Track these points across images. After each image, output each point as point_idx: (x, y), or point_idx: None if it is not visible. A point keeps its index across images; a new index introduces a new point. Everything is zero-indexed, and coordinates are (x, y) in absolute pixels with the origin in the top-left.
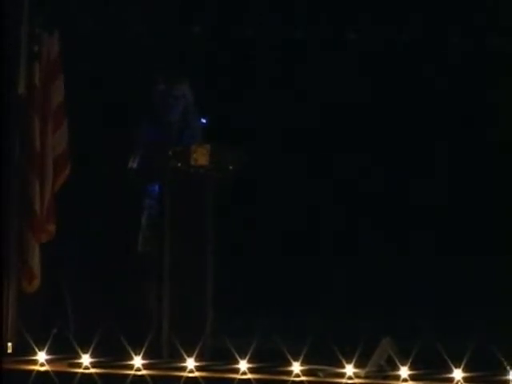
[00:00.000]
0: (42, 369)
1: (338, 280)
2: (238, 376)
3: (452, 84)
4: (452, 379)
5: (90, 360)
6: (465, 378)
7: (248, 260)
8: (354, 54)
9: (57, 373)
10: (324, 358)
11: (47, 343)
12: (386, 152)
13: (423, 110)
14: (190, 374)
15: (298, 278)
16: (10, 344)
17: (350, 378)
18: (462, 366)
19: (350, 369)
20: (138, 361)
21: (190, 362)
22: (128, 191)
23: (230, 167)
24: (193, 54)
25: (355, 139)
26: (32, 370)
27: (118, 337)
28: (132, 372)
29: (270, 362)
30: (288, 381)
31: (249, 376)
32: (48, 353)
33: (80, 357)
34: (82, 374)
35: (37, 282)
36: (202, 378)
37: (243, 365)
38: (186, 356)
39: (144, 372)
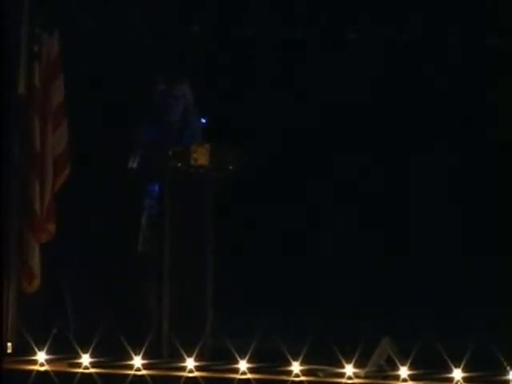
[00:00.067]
0: (42, 369)
1: (338, 280)
2: (238, 376)
3: (452, 84)
4: (452, 379)
5: (90, 360)
6: (464, 378)
7: (248, 260)
8: (354, 54)
9: (57, 373)
10: (324, 358)
11: (47, 343)
12: (386, 152)
13: (423, 109)
14: (190, 374)
15: (298, 278)
16: (9, 344)
17: (349, 377)
18: (461, 366)
19: (349, 369)
20: (137, 361)
21: (190, 362)
22: (128, 191)
23: (230, 167)
24: (193, 53)
25: (355, 139)
26: (32, 370)
27: (117, 337)
28: (132, 372)
29: (270, 362)
30: (288, 381)
31: (249, 376)
32: (48, 353)
33: (80, 357)
34: (82, 373)
35: (37, 282)
36: (202, 377)
37: (243, 365)
38: (185, 356)
39: (144, 372)
